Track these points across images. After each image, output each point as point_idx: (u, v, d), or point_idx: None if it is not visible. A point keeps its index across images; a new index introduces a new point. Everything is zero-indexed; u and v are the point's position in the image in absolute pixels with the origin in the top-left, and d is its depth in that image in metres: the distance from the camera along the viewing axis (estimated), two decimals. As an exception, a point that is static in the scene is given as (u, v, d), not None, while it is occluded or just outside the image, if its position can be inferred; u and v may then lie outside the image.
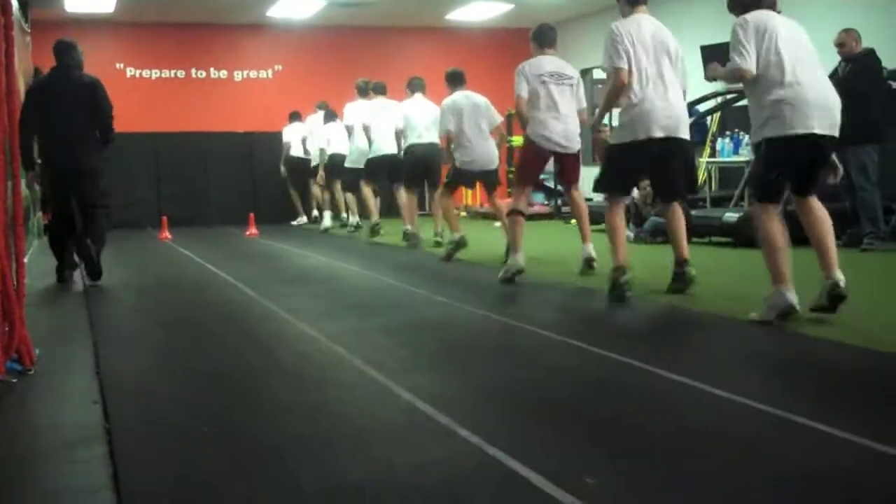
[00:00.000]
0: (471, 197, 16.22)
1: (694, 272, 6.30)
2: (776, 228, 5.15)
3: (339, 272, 8.52)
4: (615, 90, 6.15)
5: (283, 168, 15.06)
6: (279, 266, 9.34)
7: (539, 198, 15.94)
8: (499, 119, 9.48)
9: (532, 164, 7.71)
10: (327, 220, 13.84)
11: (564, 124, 7.64)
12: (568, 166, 7.84)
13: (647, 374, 4.09)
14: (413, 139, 10.57)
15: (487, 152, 9.30)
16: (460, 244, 9.09)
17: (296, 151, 14.61)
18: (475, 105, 9.36)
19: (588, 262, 7.54)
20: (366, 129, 11.82)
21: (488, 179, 9.46)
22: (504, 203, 8.90)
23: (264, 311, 6.20)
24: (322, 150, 13.62)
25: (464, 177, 9.44)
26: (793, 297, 5.07)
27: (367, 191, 12.09)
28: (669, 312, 5.85)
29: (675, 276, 6.34)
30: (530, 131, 7.59)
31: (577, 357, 4.57)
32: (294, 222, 15.10)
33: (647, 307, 6.06)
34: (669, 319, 5.74)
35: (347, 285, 7.63)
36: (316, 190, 14.36)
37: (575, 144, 7.74)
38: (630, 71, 6.10)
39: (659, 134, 6.12)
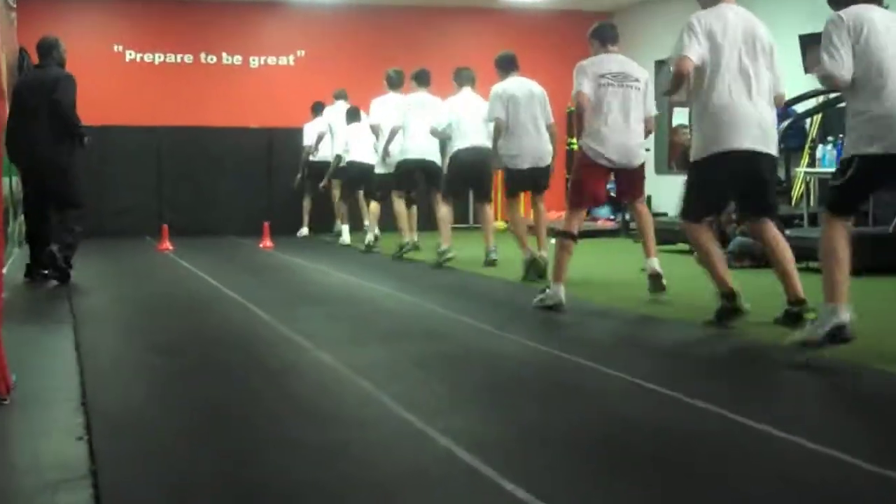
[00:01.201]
0: (522, 209, 16.20)
1: (813, 315, 6.17)
2: (841, 241, 5.21)
3: (367, 293, 8.56)
4: (675, 78, 6.16)
5: (298, 177, 15.13)
6: (296, 284, 9.39)
7: (604, 212, 15.90)
8: (550, 118, 9.48)
9: (587, 181, 7.59)
10: (346, 235, 13.85)
11: (623, 136, 7.55)
12: (626, 183, 7.86)
13: (720, 418, 4.06)
14: (459, 144, 10.45)
15: (539, 147, 9.30)
16: (532, 265, 9.07)
17: (322, 152, 14.54)
18: (531, 93, 9.37)
19: (655, 280, 7.53)
20: (392, 134, 11.62)
21: (537, 179, 9.47)
22: (552, 216, 8.88)
23: (277, 337, 6.23)
24: (338, 156, 13.66)
25: (516, 178, 9.43)
26: (846, 315, 5.12)
27: (398, 204, 11.83)
28: (750, 349, 5.83)
29: (788, 315, 6.21)
30: (582, 142, 7.58)
31: (640, 398, 4.54)
32: (299, 234, 15.13)
33: (724, 342, 6.04)
34: (750, 357, 5.71)
35: (376, 308, 7.65)
36: (336, 198, 14.35)
37: (635, 159, 7.69)
38: (703, 69, 6.07)
39: (745, 145, 6.07)
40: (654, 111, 7.89)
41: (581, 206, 7.69)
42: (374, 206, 12.63)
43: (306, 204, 15.18)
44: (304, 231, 15.19)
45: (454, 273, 9.96)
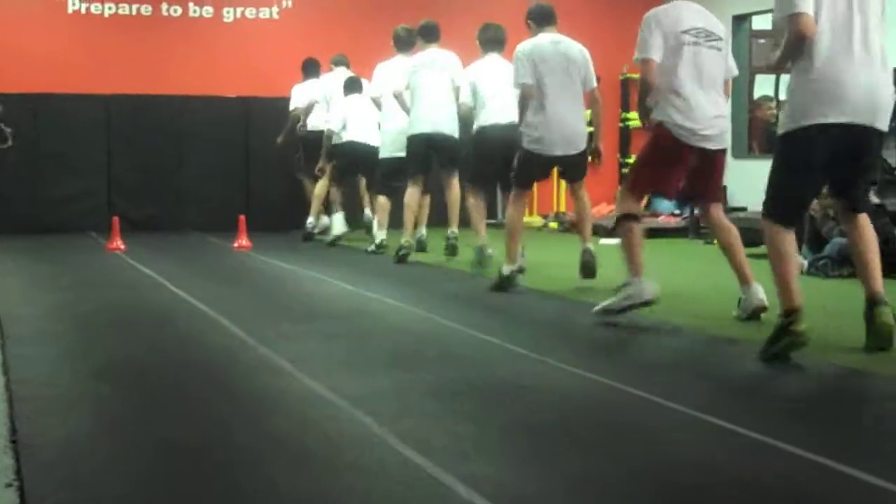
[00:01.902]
0: (564, 202, 16.16)
1: (889, 318, 6.19)
2: None
3: (368, 305, 8.57)
4: (793, 44, 6.09)
5: (280, 139, 15.04)
6: (281, 294, 9.41)
7: (666, 206, 15.83)
8: (593, 83, 9.37)
9: (663, 164, 7.52)
10: (338, 224, 13.78)
11: (714, 107, 7.50)
12: (710, 171, 7.65)
13: (814, 467, 4.05)
14: (485, 119, 10.46)
15: (571, 127, 9.15)
16: (509, 279, 9.02)
17: (314, 122, 14.47)
18: (566, 56, 9.22)
19: (756, 312, 7.40)
20: (398, 97, 11.64)
21: (568, 166, 9.41)
22: (605, 211, 8.82)
23: (258, 361, 6.23)
24: (329, 132, 13.63)
25: (533, 165, 9.27)
26: None
27: (412, 195, 11.73)
28: (852, 381, 5.79)
29: (867, 320, 6.27)
30: (663, 115, 7.44)
31: (715, 440, 4.53)
32: (309, 226, 14.87)
33: (816, 370, 6.02)
34: (852, 392, 5.69)
35: (379, 325, 7.65)
36: (320, 186, 14.24)
37: (725, 139, 7.62)
38: (816, 22, 6.04)
39: (845, 118, 6.03)
40: (735, 72, 7.81)
41: (643, 192, 7.64)
42: (383, 200, 12.57)
43: (310, 185, 14.83)
44: (325, 220, 14.64)
45: (476, 281, 9.93)
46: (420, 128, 11.34)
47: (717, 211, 7.75)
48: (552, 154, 9.17)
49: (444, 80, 11.16)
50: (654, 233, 13.90)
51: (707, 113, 7.41)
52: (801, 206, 6.58)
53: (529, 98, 9.09)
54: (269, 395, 5.38)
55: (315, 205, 14.27)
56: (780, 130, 6.27)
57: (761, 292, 7.34)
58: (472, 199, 10.80)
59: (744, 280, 7.47)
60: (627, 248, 7.46)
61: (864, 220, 6.38)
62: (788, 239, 6.30)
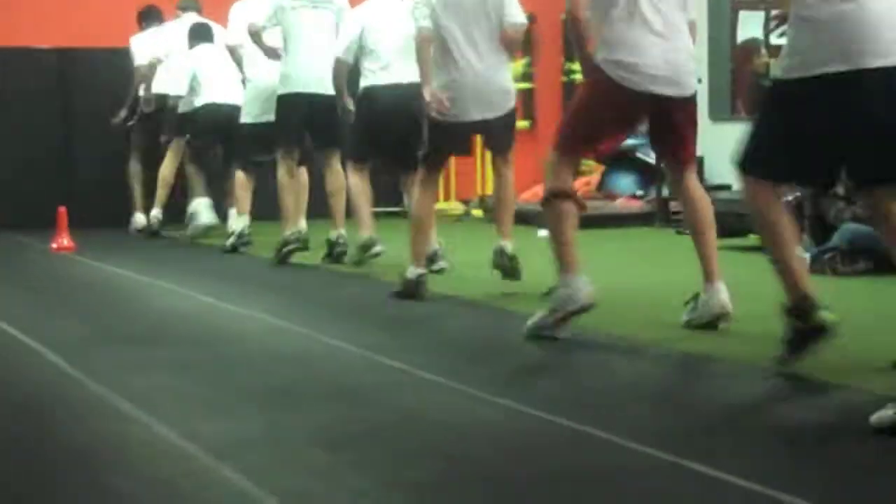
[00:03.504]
0: (491, 183, 16.20)
1: None
2: None
3: (232, 324, 8.60)
4: None
5: (122, 113, 15.11)
6: (116, 311, 9.40)
7: (625, 185, 15.89)
8: (518, 19, 9.28)
9: (599, 115, 7.53)
10: (206, 213, 13.87)
11: (671, 46, 7.52)
12: (677, 126, 7.73)
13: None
14: (375, 77, 10.58)
15: (490, 81, 9.16)
16: (416, 285, 9.08)
17: (158, 86, 14.54)
18: None
19: (715, 320, 7.53)
20: (254, 36, 11.48)
21: (490, 134, 9.48)
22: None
23: (86, 401, 6.20)
24: (162, 97, 13.93)
25: (446, 136, 9.27)
26: None
27: (283, 173, 11.69)
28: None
29: None
30: (602, 59, 7.51)
31: (697, 495, 4.53)
32: (133, 225, 15.12)
33: (841, 399, 6.04)
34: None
35: (248, 350, 7.65)
36: (167, 167, 14.34)
37: (689, 83, 7.66)
38: None
39: (877, 62, 6.10)
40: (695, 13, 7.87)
41: (574, 153, 7.64)
42: (243, 178, 12.57)
43: (136, 172, 15.10)
44: (140, 220, 15.06)
45: (372, 288, 9.93)
46: (298, 86, 11.30)
47: (689, 179, 7.78)
48: (466, 120, 9.16)
49: (330, 21, 11.14)
50: (610, 221, 14.01)
51: (655, 53, 7.37)
52: (783, 165, 6.45)
53: (427, 47, 9.11)
54: (104, 447, 5.34)
55: (162, 192, 14.29)
56: (778, 73, 6.34)
57: (726, 295, 7.50)
58: (353, 179, 10.91)
59: (708, 276, 7.59)
60: (557, 237, 7.43)
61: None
62: (772, 198, 6.32)
